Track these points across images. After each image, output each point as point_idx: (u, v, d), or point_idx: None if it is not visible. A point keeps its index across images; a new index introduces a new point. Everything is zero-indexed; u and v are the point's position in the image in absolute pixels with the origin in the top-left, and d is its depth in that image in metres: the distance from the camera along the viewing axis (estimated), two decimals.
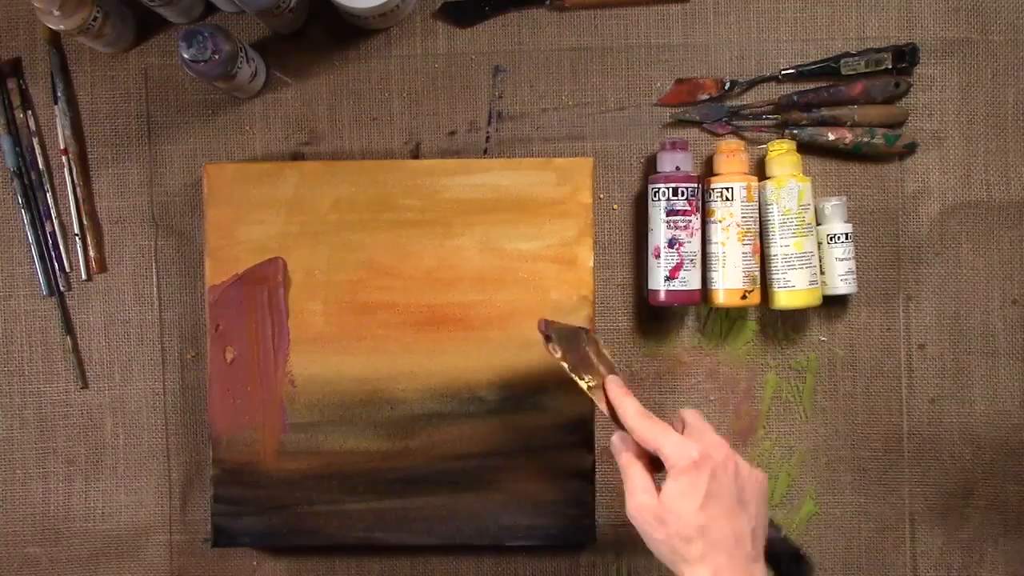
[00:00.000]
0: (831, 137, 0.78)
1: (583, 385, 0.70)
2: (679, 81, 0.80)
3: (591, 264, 0.77)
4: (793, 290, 0.76)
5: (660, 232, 0.76)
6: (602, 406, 0.70)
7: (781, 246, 0.76)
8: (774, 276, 0.77)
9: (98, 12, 0.74)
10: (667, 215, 0.76)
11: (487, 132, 0.80)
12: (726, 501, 0.63)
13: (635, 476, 0.66)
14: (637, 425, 0.67)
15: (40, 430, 0.81)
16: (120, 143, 0.81)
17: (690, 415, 0.67)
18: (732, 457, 0.64)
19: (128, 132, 0.81)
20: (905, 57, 0.78)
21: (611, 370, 0.72)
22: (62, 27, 0.73)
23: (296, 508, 0.77)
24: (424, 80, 0.81)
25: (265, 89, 0.81)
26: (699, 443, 0.64)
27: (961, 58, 0.80)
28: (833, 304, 0.79)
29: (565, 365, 0.71)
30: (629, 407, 0.68)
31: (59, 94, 0.80)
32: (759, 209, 0.77)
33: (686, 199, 0.76)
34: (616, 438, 0.69)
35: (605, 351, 0.74)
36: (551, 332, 0.71)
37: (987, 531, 0.80)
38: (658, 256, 0.76)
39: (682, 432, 0.66)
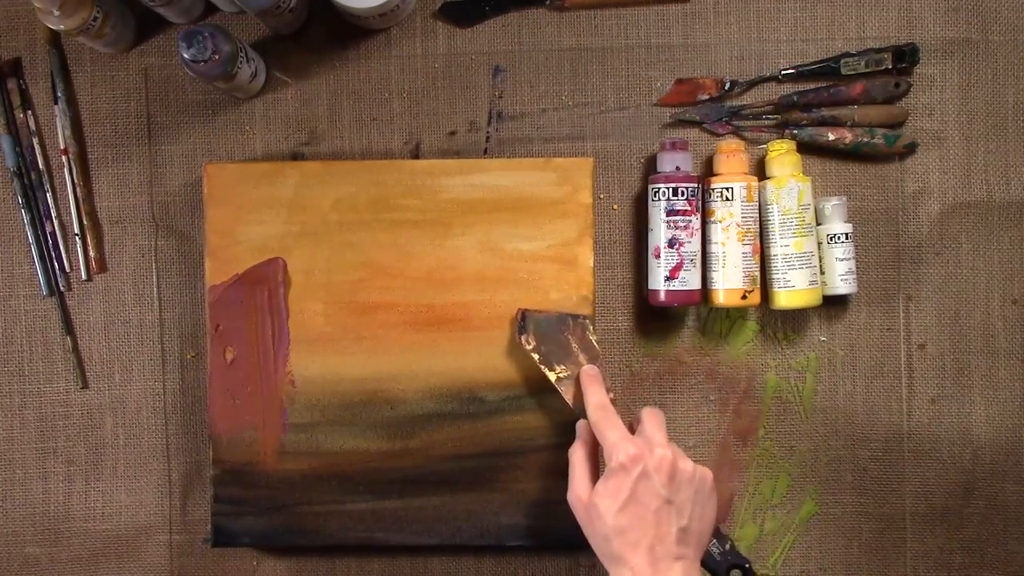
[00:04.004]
0: (831, 137, 0.78)
1: (552, 377, 0.73)
2: (679, 81, 0.80)
3: (591, 264, 0.77)
4: (793, 290, 0.76)
5: (660, 232, 0.76)
6: (567, 398, 0.73)
7: (781, 246, 0.76)
8: (774, 276, 0.77)
9: (98, 12, 0.74)
10: (667, 215, 0.76)
11: (487, 132, 0.80)
12: (652, 503, 0.64)
13: (576, 466, 0.69)
14: (593, 415, 0.70)
15: (40, 430, 0.81)
16: (120, 143, 0.81)
17: (647, 414, 0.69)
18: (668, 458, 0.65)
19: (128, 132, 0.81)
20: (905, 57, 0.78)
21: (594, 359, 0.74)
22: (62, 27, 0.73)
23: (296, 508, 0.77)
24: (424, 80, 0.81)
25: (265, 89, 0.81)
26: (639, 442, 0.66)
27: (961, 58, 0.80)
28: (833, 304, 0.79)
29: (536, 356, 0.73)
30: (592, 397, 0.71)
31: (59, 94, 0.80)
32: (759, 209, 0.77)
33: (686, 199, 0.76)
34: (579, 424, 0.72)
35: (592, 338, 0.75)
36: (528, 322, 0.73)
37: (987, 531, 0.80)
38: (658, 256, 0.76)
39: (636, 430, 0.68)
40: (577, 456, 0.69)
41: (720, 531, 0.70)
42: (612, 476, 0.65)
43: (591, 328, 0.75)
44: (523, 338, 0.74)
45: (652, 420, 0.68)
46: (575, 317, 0.75)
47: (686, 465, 0.66)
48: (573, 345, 0.74)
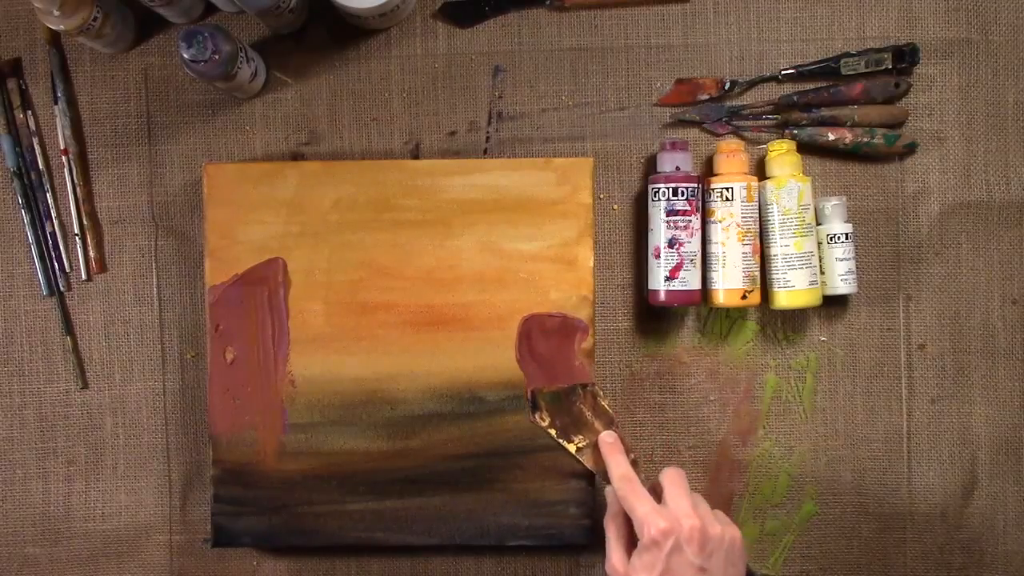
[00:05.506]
0: (831, 137, 0.78)
1: (571, 448, 0.75)
2: (679, 81, 0.80)
3: (591, 264, 0.77)
4: (793, 290, 0.76)
5: (660, 232, 0.76)
6: (589, 465, 0.75)
7: (781, 246, 0.76)
8: (774, 276, 0.77)
9: (98, 12, 0.74)
10: (667, 215, 0.76)
11: (487, 132, 0.80)
12: (687, 574, 0.66)
13: (610, 538, 0.71)
14: (618, 487, 0.71)
15: (40, 430, 0.81)
16: (120, 143, 0.81)
17: (668, 479, 0.70)
18: (697, 527, 0.66)
19: (128, 132, 0.81)
20: (905, 57, 0.78)
21: (609, 423, 0.76)
22: (62, 27, 0.73)
23: (296, 508, 0.77)
24: (424, 80, 0.81)
25: (265, 89, 0.81)
26: (667, 515, 0.67)
27: (961, 58, 0.80)
28: (833, 304, 0.79)
29: (552, 432, 0.75)
30: (615, 469, 0.72)
31: (59, 94, 0.80)
32: (759, 209, 0.77)
33: (686, 199, 0.76)
34: (607, 492, 0.74)
35: (604, 402, 0.76)
36: (539, 400, 0.75)
37: (987, 531, 0.80)
38: (658, 256, 0.76)
39: (661, 495, 0.69)
40: (610, 527, 0.71)
41: (754, 573, 0.71)
42: (646, 551, 0.67)
43: (601, 394, 0.76)
44: (537, 416, 0.75)
45: (675, 486, 0.69)
46: (584, 386, 0.76)
47: (714, 530, 0.67)
48: (586, 414, 0.76)
